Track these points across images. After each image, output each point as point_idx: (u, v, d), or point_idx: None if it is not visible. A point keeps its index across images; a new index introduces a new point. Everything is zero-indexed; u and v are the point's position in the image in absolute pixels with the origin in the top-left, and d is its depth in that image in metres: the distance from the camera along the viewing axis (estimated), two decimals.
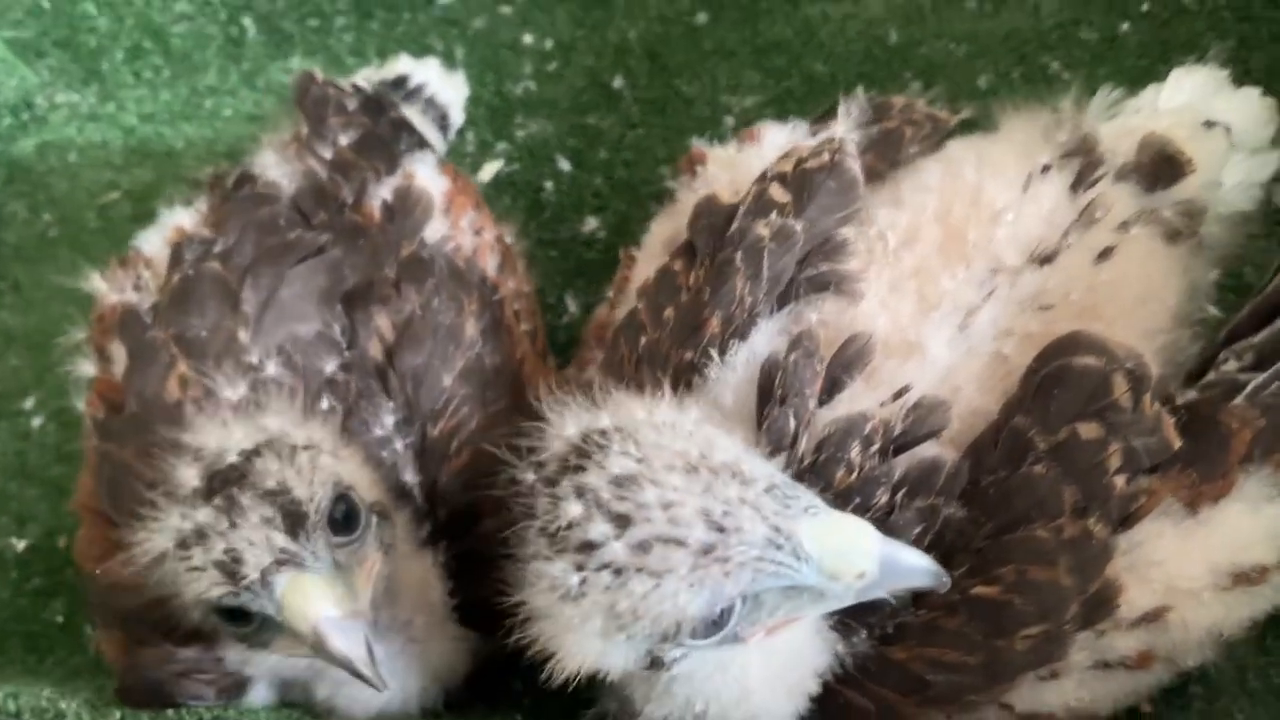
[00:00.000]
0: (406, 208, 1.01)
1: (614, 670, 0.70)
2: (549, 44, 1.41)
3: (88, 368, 0.99)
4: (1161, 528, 0.77)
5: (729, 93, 1.30)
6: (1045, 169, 0.88)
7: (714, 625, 0.67)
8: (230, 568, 0.71)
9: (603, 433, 0.66)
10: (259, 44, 1.54)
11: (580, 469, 0.65)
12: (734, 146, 1.01)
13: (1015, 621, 0.76)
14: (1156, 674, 0.80)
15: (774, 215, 0.86)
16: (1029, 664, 0.76)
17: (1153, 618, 0.77)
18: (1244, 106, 1.00)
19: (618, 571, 0.63)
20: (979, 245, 0.84)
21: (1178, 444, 0.77)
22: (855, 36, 1.28)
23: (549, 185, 1.30)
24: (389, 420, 0.92)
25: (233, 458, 0.75)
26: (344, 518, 0.76)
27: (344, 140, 1.07)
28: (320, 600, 0.72)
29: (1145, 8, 1.20)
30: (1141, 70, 0.96)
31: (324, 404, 0.92)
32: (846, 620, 0.78)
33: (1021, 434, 0.78)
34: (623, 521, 0.63)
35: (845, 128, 0.93)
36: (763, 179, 0.90)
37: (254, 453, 0.75)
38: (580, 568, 0.64)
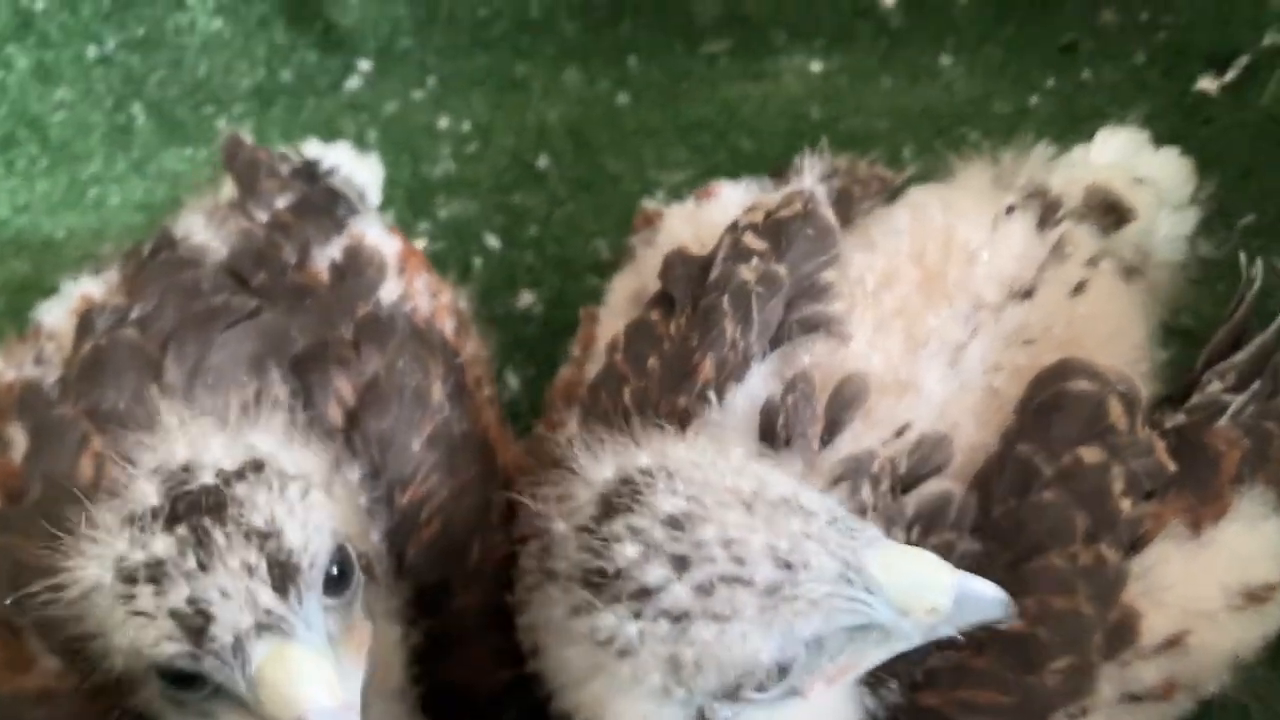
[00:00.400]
0: (358, 267, 0.94)
1: None
2: (466, 126, 1.38)
3: None
4: (1168, 551, 0.76)
5: (656, 168, 1.29)
6: (1010, 210, 0.89)
7: (779, 674, 0.60)
8: (193, 622, 0.57)
9: (645, 471, 0.60)
10: (149, 131, 1.46)
11: (628, 510, 0.59)
12: (691, 203, 0.99)
13: (1043, 655, 0.73)
14: (1180, 704, 0.78)
15: (755, 261, 0.85)
16: (1060, 700, 0.73)
17: (1173, 643, 0.75)
18: (1165, 165, 1.05)
19: (678, 618, 0.56)
20: (959, 283, 0.84)
21: (1172, 467, 0.78)
22: (777, 114, 1.30)
23: (478, 262, 1.25)
24: (354, 476, 0.83)
25: (208, 478, 0.62)
26: (338, 575, 0.64)
27: (280, 204, 1.00)
28: (311, 683, 0.58)
29: (1050, 84, 1.26)
30: (1055, 137, 1.00)
31: None
32: (876, 672, 0.73)
33: (1026, 461, 0.76)
34: (682, 563, 0.57)
35: (811, 180, 0.93)
36: (734, 229, 0.89)
37: (237, 475, 0.62)
38: (637, 616, 0.57)
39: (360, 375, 0.87)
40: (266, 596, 0.58)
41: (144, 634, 0.58)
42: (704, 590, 0.56)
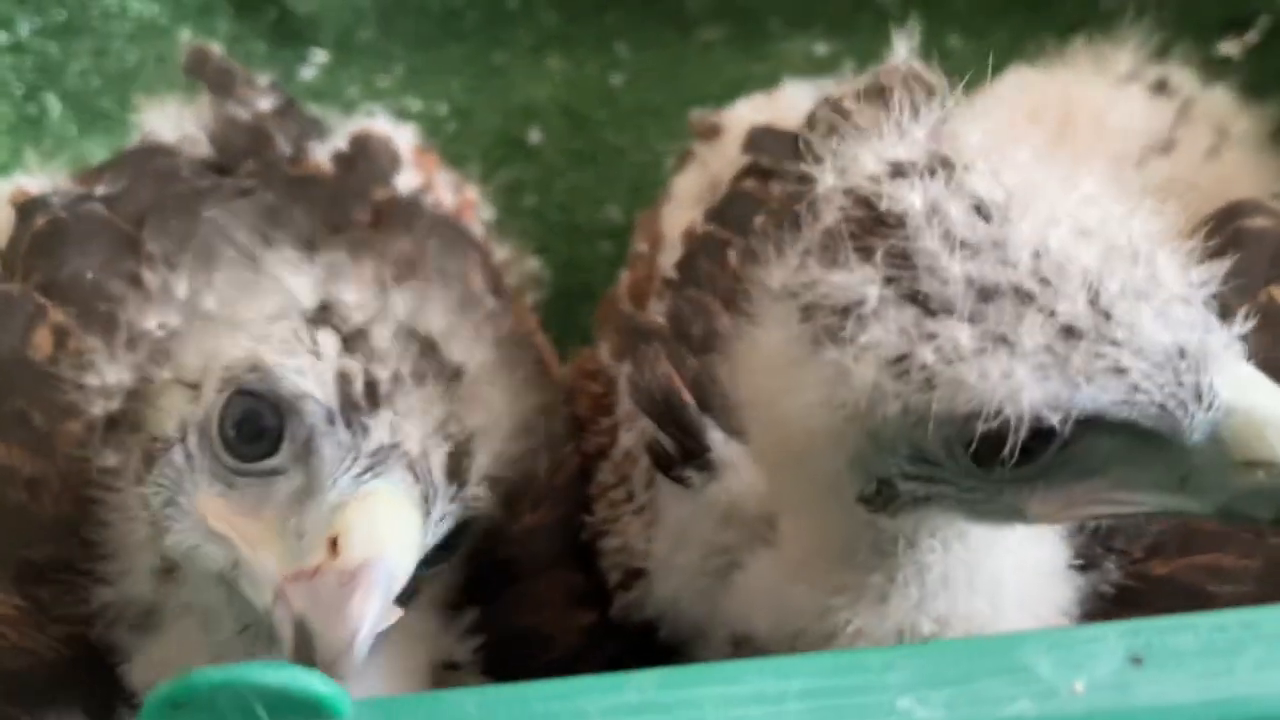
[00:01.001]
0: (368, 154, 0.80)
1: (813, 486, 0.48)
2: (443, 109, 1.26)
3: None
4: None
5: (665, 140, 1.18)
6: (1122, 81, 0.82)
7: (1024, 454, 0.44)
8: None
9: (968, 148, 0.46)
10: (63, 121, 1.27)
11: (928, 174, 0.45)
12: (759, 97, 0.89)
13: None
14: None
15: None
16: None
17: None
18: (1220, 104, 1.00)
19: (935, 310, 0.42)
20: (1092, 139, 0.76)
21: None
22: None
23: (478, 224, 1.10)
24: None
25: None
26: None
27: (264, 106, 0.84)
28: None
29: None
30: None
31: None
32: (1091, 550, 0.59)
33: (1218, 301, 0.66)
34: (971, 251, 0.42)
35: (904, 54, 0.83)
36: (825, 102, 0.79)
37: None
38: (889, 282, 0.42)
39: (388, 255, 0.71)
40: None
41: None
42: (984, 292, 0.42)
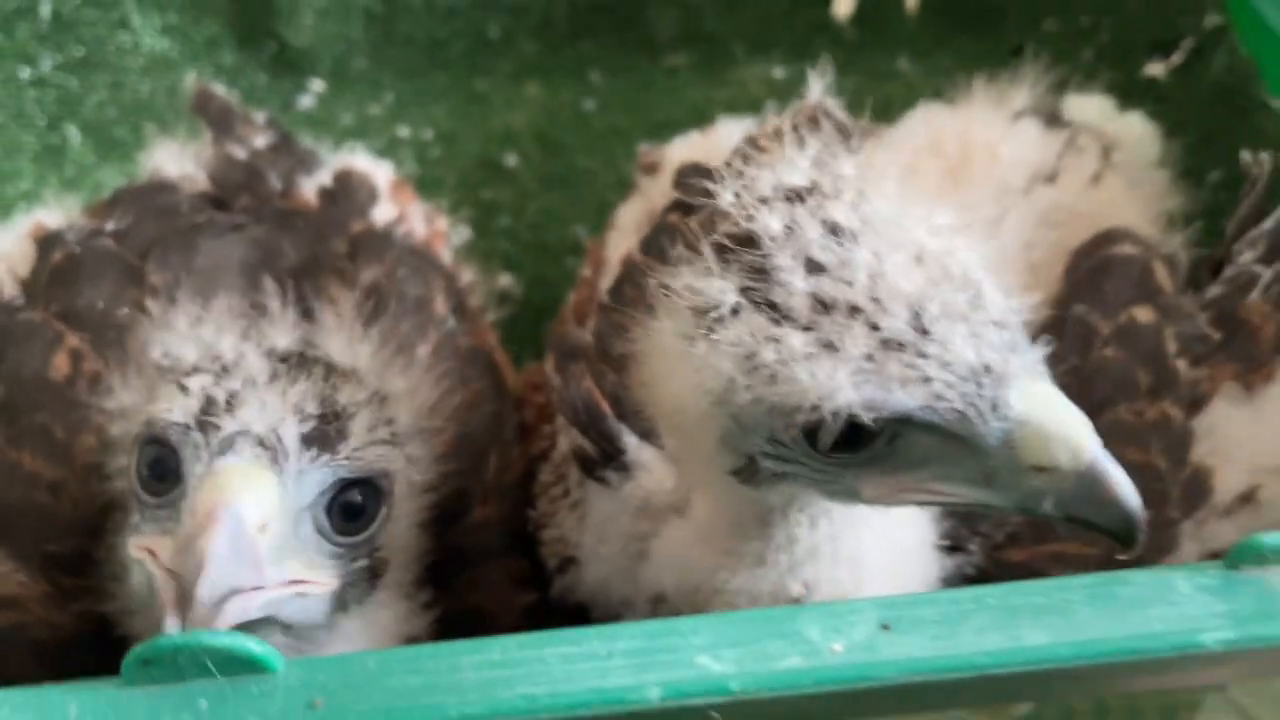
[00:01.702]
0: (349, 190, 0.90)
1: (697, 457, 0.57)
2: (428, 134, 1.36)
3: None
4: (1228, 410, 0.75)
5: (631, 163, 1.27)
6: (1017, 115, 0.91)
7: (846, 443, 0.52)
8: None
9: (839, 178, 0.55)
10: (84, 151, 1.38)
11: (797, 200, 0.53)
12: (694, 134, 0.98)
13: None
14: None
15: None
16: (1145, 556, 0.68)
17: (1247, 498, 0.73)
18: (1133, 125, 1.08)
19: (780, 318, 0.50)
20: (984, 171, 0.84)
21: (1216, 335, 0.77)
22: (745, 114, 1.31)
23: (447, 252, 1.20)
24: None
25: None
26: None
27: (260, 144, 0.95)
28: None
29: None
30: None
31: None
32: (959, 532, 0.68)
33: (1084, 320, 0.75)
34: (816, 268, 0.51)
35: (818, 93, 0.92)
36: (748, 141, 0.88)
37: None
38: (744, 291, 0.51)
39: (359, 284, 0.81)
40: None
41: None
42: (822, 305, 0.50)
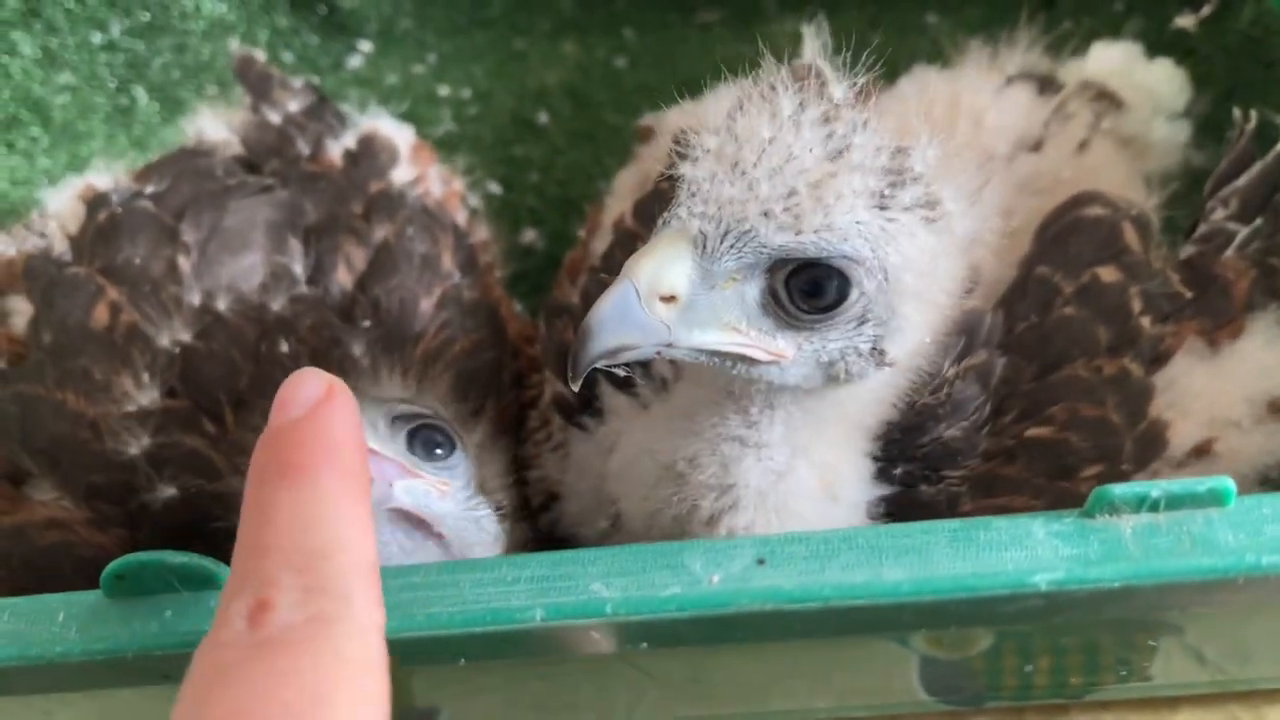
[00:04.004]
0: (371, 152, 0.96)
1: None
2: (466, 93, 1.41)
3: None
4: (1190, 365, 0.77)
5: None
6: (1009, 81, 0.92)
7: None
8: None
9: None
10: (151, 111, 1.47)
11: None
12: (688, 102, 1.01)
13: (1074, 460, 0.72)
14: None
15: None
16: None
17: (1202, 450, 0.75)
18: (1160, 74, 1.08)
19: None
20: (968, 138, 0.86)
21: (1187, 294, 0.79)
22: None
23: (479, 205, 1.26)
24: (355, 347, 0.82)
25: None
26: None
27: (294, 108, 1.02)
28: None
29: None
30: None
31: (283, 348, 0.82)
32: (911, 476, 0.72)
33: (1045, 280, 0.77)
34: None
35: (812, 52, 0.95)
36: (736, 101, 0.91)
37: None
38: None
39: (369, 242, 0.88)
40: None
41: None
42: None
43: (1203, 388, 0.76)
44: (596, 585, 0.48)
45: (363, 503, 0.44)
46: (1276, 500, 0.52)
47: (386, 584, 0.44)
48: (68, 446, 0.76)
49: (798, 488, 0.65)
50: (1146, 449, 0.73)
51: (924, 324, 0.61)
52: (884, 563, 0.48)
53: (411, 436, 0.67)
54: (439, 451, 0.67)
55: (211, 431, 0.80)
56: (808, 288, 0.57)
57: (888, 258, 0.56)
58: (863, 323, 0.58)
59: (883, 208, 0.56)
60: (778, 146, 0.56)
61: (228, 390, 0.80)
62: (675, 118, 1.01)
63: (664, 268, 0.56)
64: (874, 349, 0.59)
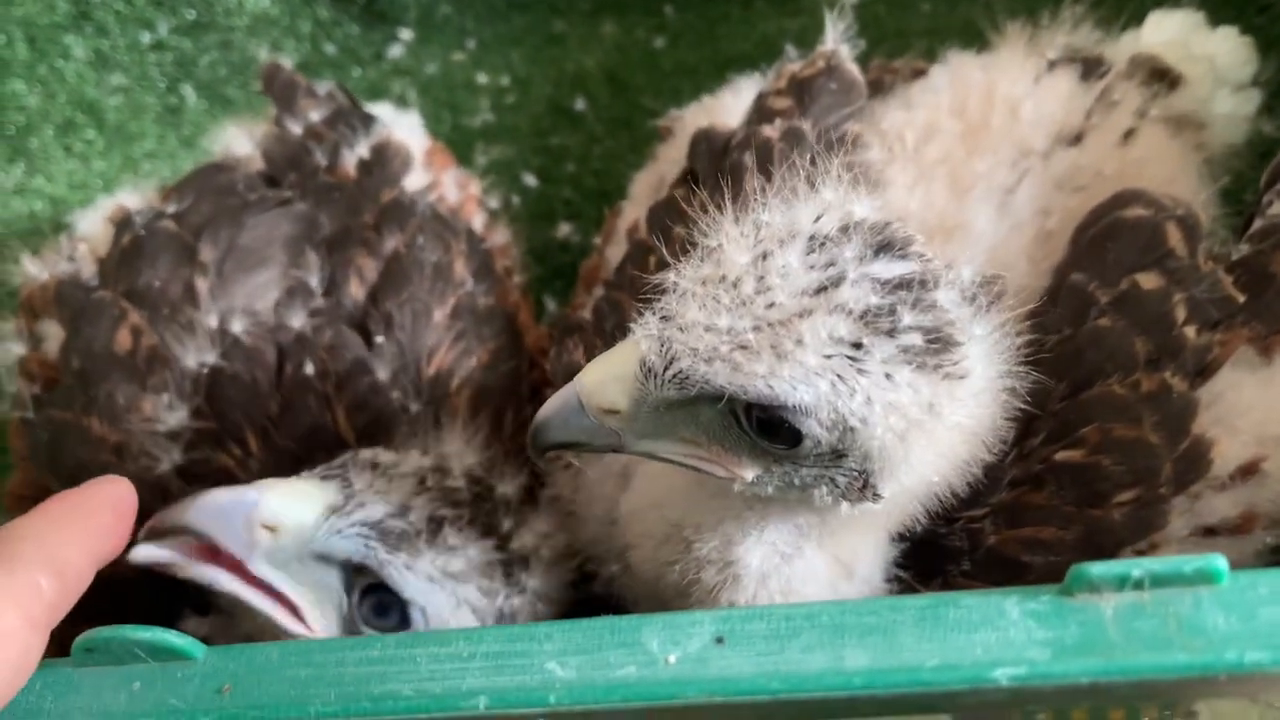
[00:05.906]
0: (384, 159, 0.95)
1: None
2: (505, 80, 1.40)
3: (15, 349, 0.87)
4: (1239, 377, 0.71)
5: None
6: (1051, 65, 0.86)
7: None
8: None
9: None
10: (199, 110, 1.49)
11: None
12: (706, 99, 0.98)
13: (1107, 485, 0.68)
14: (1258, 539, 0.71)
15: (778, 120, 0.83)
16: (1128, 536, 0.68)
17: (1249, 470, 0.69)
18: (1223, 45, 1.01)
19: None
20: (1003, 133, 0.81)
21: (1240, 298, 0.73)
22: (816, 44, 1.29)
23: (516, 199, 1.25)
24: (379, 369, 0.82)
25: None
26: None
27: (315, 117, 1.01)
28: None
29: None
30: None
31: (308, 369, 0.82)
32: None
33: (1081, 289, 0.72)
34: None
35: (833, 39, 0.91)
36: (760, 97, 0.88)
37: None
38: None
39: (380, 254, 0.87)
40: None
41: None
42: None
43: (1252, 401, 0.70)
44: (551, 664, 0.47)
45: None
46: (1273, 578, 0.47)
47: (344, 657, 0.43)
48: (91, 471, 0.77)
49: (804, 570, 0.63)
50: (1187, 470, 0.69)
51: (931, 466, 0.57)
52: (846, 643, 0.45)
53: (363, 595, 0.69)
54: (387, 617, 0.69)
55: (238, 454, 0.81)
56: (762, 424, 0.54)
57: (850, 407, 0.51)
58: (840, 456, 0.54)
59: (853, 359, 0.51)
60: (749, 279, 0.52)
61: (250, 415, 0.80)
62: (693, 117, 0.98)
63: (605, 385, 0.55)
64: (860, 485, 0.56)
